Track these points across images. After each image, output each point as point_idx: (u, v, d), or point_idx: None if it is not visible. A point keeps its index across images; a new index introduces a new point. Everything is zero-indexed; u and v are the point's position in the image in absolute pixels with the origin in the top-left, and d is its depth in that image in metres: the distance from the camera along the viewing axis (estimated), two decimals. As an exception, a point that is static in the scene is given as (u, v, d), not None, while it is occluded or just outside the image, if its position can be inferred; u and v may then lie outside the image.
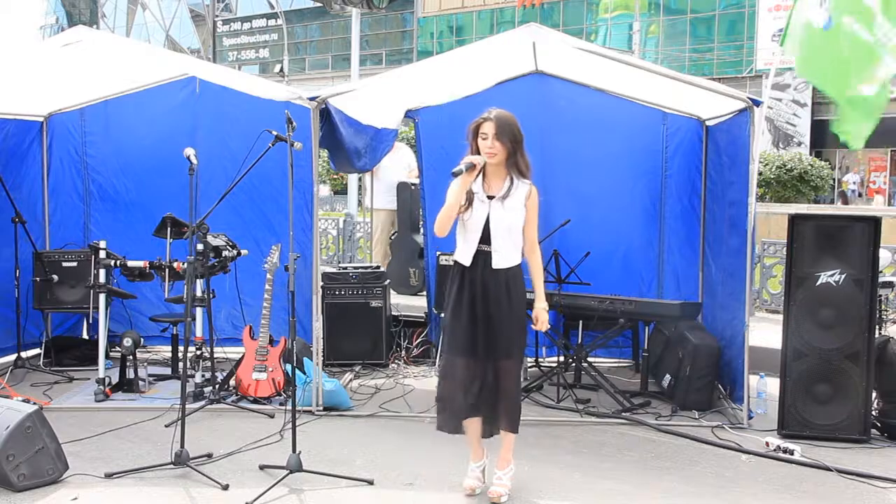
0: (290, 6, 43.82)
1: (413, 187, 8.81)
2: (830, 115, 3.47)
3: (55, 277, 6.56)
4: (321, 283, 5.90)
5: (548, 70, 6.53)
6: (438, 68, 5.94)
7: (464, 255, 4.03)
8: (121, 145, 6.98)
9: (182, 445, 4.38)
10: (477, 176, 3.99)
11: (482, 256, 3.98)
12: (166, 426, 5.09)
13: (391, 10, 35.98)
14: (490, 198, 3.99)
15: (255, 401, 5.62)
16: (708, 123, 6.50)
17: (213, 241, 5.69)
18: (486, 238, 3.97)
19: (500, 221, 3.96)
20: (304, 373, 5.54)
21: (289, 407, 4.56)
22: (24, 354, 6.56)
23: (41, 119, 6.94)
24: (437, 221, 3.96)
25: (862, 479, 4.44)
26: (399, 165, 9.05)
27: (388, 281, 7.01)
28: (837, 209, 16.80)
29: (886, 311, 6.64)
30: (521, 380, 4.52)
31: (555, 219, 6.48)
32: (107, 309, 5.93)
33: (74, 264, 6.64)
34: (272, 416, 5.35)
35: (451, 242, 6.92)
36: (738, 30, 33.47)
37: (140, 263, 5.86)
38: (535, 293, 4.14)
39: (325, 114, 5.54)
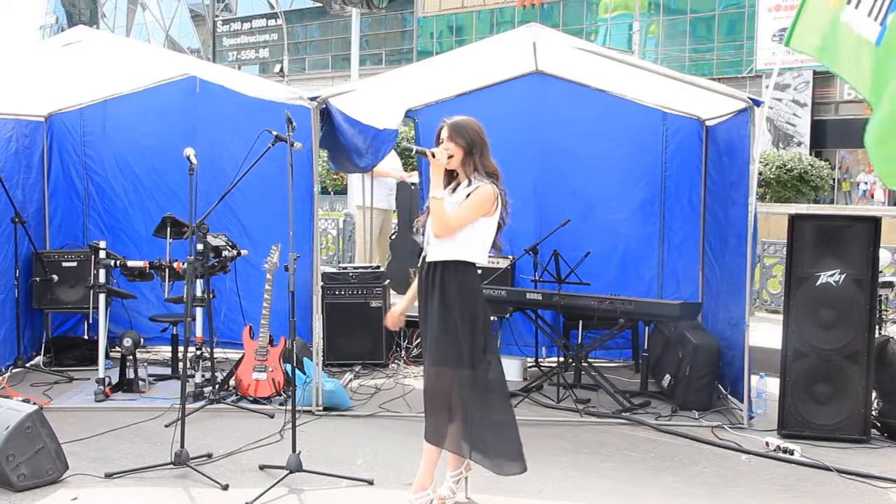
0: (290, 6, 43.82)
1: (413, 187, 8.80)
2: (869, 139, 3.43)
3: (55, 277, 6.56)
4: (321, 283, 5.90)
5: (548, 70, 6.54)
6: (439, 68, 5.95)
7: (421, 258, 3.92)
8: (120, 145, 6.97)
9: (182, 445, 4.38)
10: (450, 182, 3.86)
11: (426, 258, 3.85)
12: (166, 426, 5.09)
13: (391, 10, 36.02)
14: None
15: (255, 401, 5.62)
16: (708, 123, 6.50)
17: (212, 241, 5.69)
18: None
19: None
20: (304, 373, 5.54)
21: (289, 407, 4.55)
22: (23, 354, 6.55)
23: (41, 119, 6.93)
24: (433, 223, 3.78)
25: (862, 479, 4.44)
26: (387, 166, 9.03)
27: (388, 281, 7.01)
28: (838, 209, 16.79)
29: (886, 311, 6.65)
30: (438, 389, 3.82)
31: (555, 219, 6.49)
32: (107, 309, 5.93)
33: (74, 264, 6.63)
34: (272, 416, 5.35)
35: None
36: (738, 30, 33.48)
37: (140, 263, 5.86)
38: None
39: (326, 114, 5.54)
